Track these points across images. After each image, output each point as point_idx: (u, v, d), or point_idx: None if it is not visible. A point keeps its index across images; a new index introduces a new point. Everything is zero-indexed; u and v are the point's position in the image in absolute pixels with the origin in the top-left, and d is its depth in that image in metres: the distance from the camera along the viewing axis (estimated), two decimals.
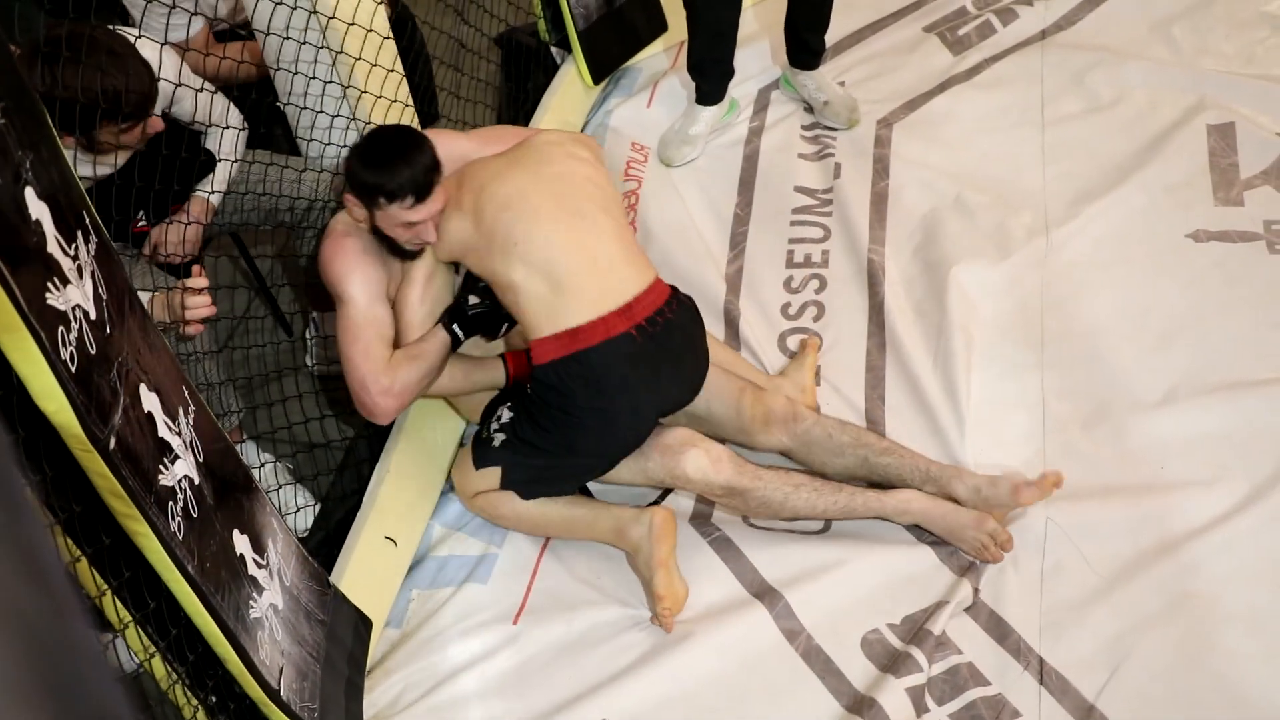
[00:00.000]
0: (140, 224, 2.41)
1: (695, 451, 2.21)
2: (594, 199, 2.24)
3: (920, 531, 2.22)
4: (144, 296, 1.98)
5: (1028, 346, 2.50)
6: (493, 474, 2.29)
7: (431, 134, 2.33)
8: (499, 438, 2.29)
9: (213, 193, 2.42)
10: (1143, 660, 1.94)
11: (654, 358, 2.15)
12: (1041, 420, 2.37)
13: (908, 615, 2.10)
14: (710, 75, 3.08)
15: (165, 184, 2.19)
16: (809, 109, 3.19)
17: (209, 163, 2.41)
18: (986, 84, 3.17)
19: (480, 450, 2.32)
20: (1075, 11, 3.28)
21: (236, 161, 2.43)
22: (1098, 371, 2.43)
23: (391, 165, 2.13)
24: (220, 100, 2.38)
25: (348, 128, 2.48)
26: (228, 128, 2.37)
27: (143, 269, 2.33)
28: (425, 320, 2.28)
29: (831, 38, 3.22)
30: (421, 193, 2.13)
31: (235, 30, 2.76)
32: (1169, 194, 2.73)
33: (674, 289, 2.24)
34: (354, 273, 2.25)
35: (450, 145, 2.31)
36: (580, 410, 2.16)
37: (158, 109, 2.14)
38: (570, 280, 2.13)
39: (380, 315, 2.26)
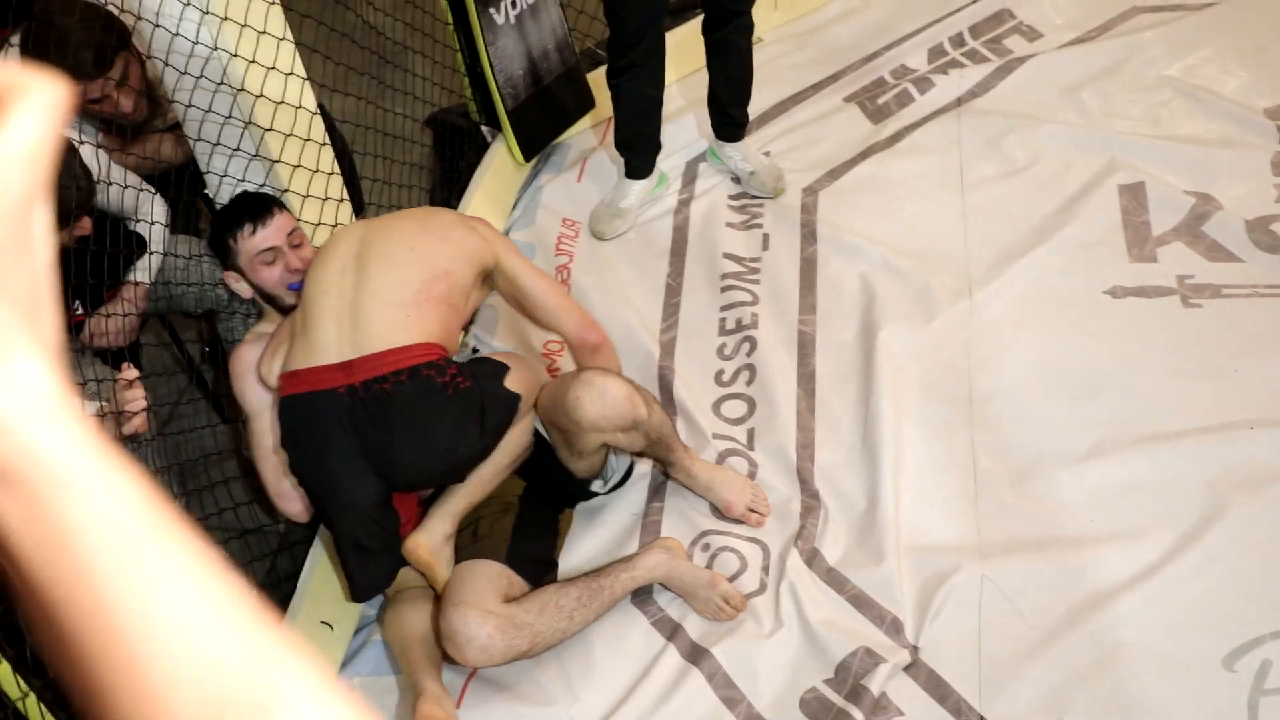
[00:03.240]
0: (78, 313, 2.41)
1: (464, 639, 2.05)
2: (401, 258, 2.16)
3: (840, 586, 2.25)
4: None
5: (955, 406, 2.55)
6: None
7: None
8: None
9: (137, 284, 2.42)
10: (1078, 713, 1.96)
11: (359, 423, 2.06)
12: (973, 478, 2.41)
13: (841, 663, 2.11)
14: (638, 150, 3.14)
15: (99, 273, 2.20)
16: (736, 179, 3.26)
17: (140, 248, 2.42)
18: (906, 151, 3.25)
19: None
20: (989, 79, 3.39)
21: (163, 254, 2.44)
22: (1025, 428, 2.47)
23: (224, 210, 2.30)
24: (145, 196, 2.40)
25: None
26: (154, 223, 2.38)
27: (80, 360, 2.31)
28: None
29: (756, 109, 3.30)
30: (256, 216, 2.23)
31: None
32: (1085, 252, 2.81)
33: (432, 363, 2.09)
34: (253, 386, 2.27)
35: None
36: (290, 453, 2.15)
37: (89, 209, 2.17)
38: (312, 323, 2.12)
39: None
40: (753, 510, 2.43)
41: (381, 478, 2.11)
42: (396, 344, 2.07)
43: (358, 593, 2.22)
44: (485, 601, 2.08)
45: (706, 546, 2.40)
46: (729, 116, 3.17)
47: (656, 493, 2.53)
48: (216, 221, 2.32)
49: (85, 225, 2.17)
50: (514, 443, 2.27)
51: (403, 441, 2.06)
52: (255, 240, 2.24)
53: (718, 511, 2.46)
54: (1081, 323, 2.65)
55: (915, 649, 2.13)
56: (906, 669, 2.10)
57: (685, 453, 2.44)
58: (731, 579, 2.32)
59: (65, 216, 2.06)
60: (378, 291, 2.12)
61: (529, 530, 2.30)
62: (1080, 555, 2.21)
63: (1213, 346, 2.52)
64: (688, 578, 2.23)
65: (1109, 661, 2.02)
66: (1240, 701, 1.92)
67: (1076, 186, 2.98)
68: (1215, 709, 1.92)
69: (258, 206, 2.26)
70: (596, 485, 2.46)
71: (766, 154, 3.31)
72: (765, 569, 2.33)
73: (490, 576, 2.15)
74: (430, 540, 2.18)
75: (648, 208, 3.23)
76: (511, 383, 2.22)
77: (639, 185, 3.20)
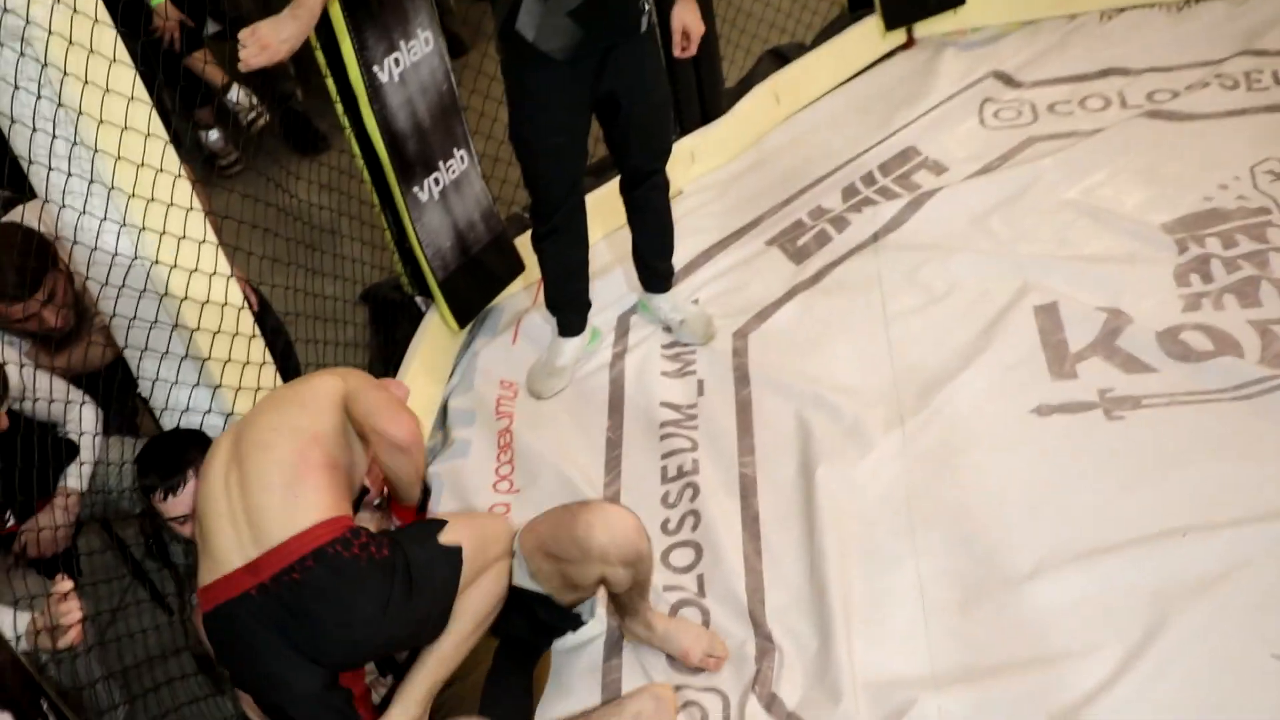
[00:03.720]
0: (9, 524, 2.39)
1: None
2: (270, 440, 2.10)
3: None
4: (5, 613, 1.96)
5: (897, 537, 2.58)
6: None
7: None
8: None
9: (69, 492, 2.41)
10: None
11: (279, 620, 2.01)
12: (921, 609, 2.42)
13: None
14: (568, 310, 3.22)
15: (26, 481, 2.20)
16: (667, 329, 3.33)
17: (71, 454, 2.42)
18: (829, 288, 3.35)
19: None
20: (901, 214, 3.52)
21: (94, 463, 2.45)
22: (967, 553, 2.50)
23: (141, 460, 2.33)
24: (74, 406, 2.42)
25: (213, 416, 2.53)
26: (83, 432, 2.40)
27: (9, 576, 2.29)
28: None
29: (681, 258, 3.40)
30: (169, 483, 2.26)
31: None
32: (1009, 373, 2.89)
33: (337, 539, 2.03)
34: None
35: None
36: (226, 667, 2.14)
37: (3, 406, 2.17)
38: (210, 536, 2.08)
39: None
40: (710, 655, 2.42)
41: (319, 665, 2.07)
42: (297, 529, 2.02)
43: None
44: None
45: None
46: (654, 269, 3.26)
47: (614, 649, 2.52)
48: (138, 465, 2.31)
49: (1, 421, 2.17)
50: (476, 606, 2.22)
51: (327, 626, 2.02)
52: (167, 507, 2.27)
53: (675, 662, 2.45)
54: (1012, 443, 2.71)
55: None
56: None
57: (647, 607, 2.43)
58: None
59: None
60: (260, 483, 2.06)
61: (502, 687, 2.27)
62: (1034, 677, 2.22)
63: (1139, 457, 2.58)
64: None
65: None
66: None
67: (994, 310, 3.07)
68: None
69: (170, 469, 2.26)
70: (583, 611, 2.43)
71: (695, 302, 3.40)
72: (725, 718, 2.31)
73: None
74: None
75: (583, 364, 3.29)
76: (449, 536, 2.16)
77: (573, 343, 3.26)
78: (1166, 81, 3.77)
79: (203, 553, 2.09)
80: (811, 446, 2.83)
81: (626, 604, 2.39)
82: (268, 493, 2.04)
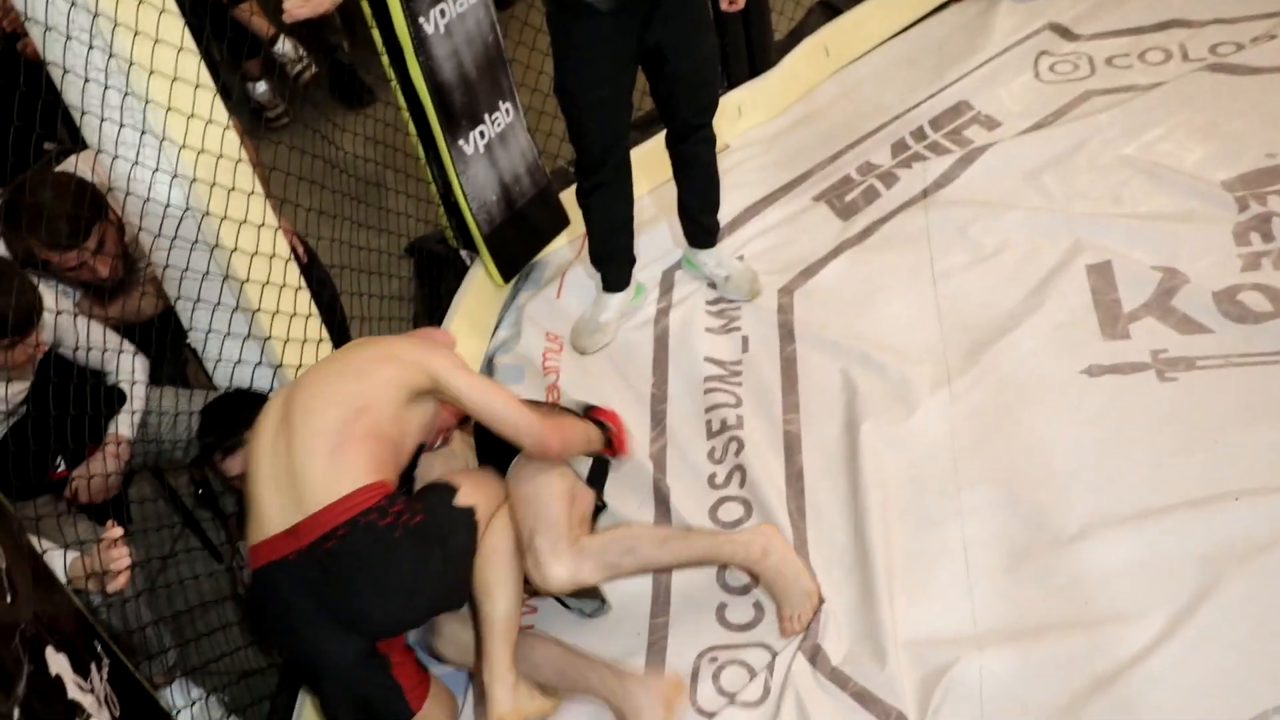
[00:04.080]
0: (59, 469, 2.43)
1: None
2: (319, 406, 2.12)
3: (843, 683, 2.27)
4: (57, 555, 1.99)
5: (943, 497, 2.56)
6: None
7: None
8: None
9: (120, 439, 2.45)
10: None
11: (315, 587, 2.04)
12: (965, 569, 2.41)
13: None
14: (613, 265, 3.21)
15: (78, 428, 2.23)
16: (712, 285, 3.32)
17: (121, 401, 2.46)
18: (877, 245, 3.31)
19: None
20: (952, 170, 3.46)
21: (144, 412, 2.48)
22: (1014, 513, 2.48)
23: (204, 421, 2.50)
24: (125, 356, 2.45)
25: (262, 368, 2.55)
26: (135, 381, 2.43)
27: (60, 522, 2.33)
28: None
29: (727, 214, 3.38)
30: (226, 445, 2.41)
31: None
32: (1059, 333, 2.84)
33: (373, 509, 2.05)
34: None
35: None
36: (264, 633, 2.23)
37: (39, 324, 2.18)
38: (255, 497, 2.11)
39: None
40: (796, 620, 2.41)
41: (355, 633, 2.09)
42: (336, 496, 2.03)
43: None
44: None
45: (714, 659, 2.40)
46: (699, 224, 3.24)
47: (661, 607, 2.53)
48: (200, 424, 2.47)
49: (42, 345, 2.21)
50: (501, 556, 2.24)
51: (362, 595, 2.05)
52: (225, 466, 2.39)
53: (723, 619, 2.45)
54: (1061, 404, 2.67)
55: None
56: None
57: (746, 549, 2.40)
58: (738, 692, 2.31)
59: (13, 329, 2.12)
60: (304, 447, 2.07)
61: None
62: (1078, 640, 2.20)
63: (1191, 419, 2.53)
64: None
65: None
66: None
67: (1045, 269, 3.02)
68: None
69: (229, 429, 2.37)
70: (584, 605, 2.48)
71: (740, 258, 3.37)
72: (770, 671, 2.32)
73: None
74: (514, 705, 2.19)
75: (627, 319, 3.28)
76: (463, 499, 2.21)
77: (617, 298, 3.26)
78: (1230, 34, 3.65)
79: (250, 513, 2.12)
80: (857, 404, 2.81)
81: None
82: (311, 458, 2.06)
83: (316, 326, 2.68)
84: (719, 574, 2.56)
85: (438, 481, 2.28)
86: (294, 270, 2.57)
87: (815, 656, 2.32)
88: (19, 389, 2.29)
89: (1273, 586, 2.17)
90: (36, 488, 2.37)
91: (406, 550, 2.06)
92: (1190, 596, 2.20)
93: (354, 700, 2.14)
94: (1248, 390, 2.56)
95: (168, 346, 2.63)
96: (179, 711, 2.41)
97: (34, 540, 2.10)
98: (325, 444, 2.07)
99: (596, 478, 2.56)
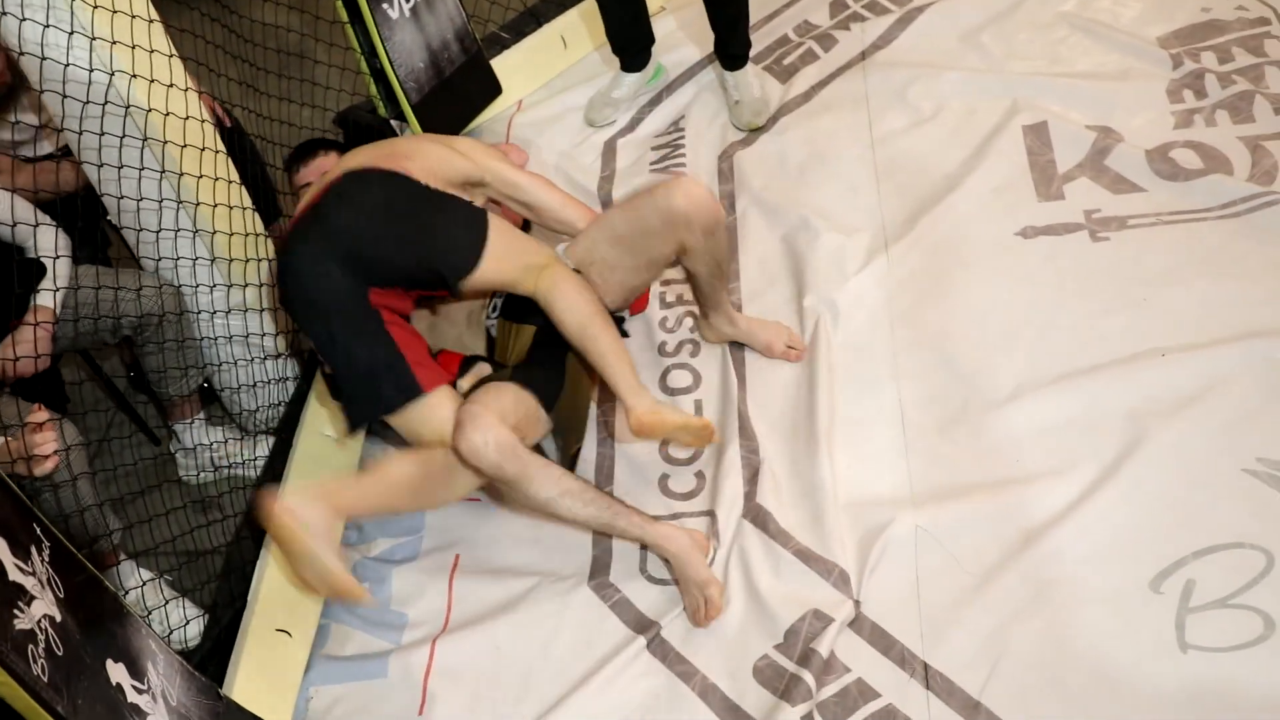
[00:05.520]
0: None
1: (470, 429, 2.10)
2: (402, 153, 2.32)
3: (785, 541, 2.31)
4: None
5: (880, 361, 2.59)
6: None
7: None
8: None
9: (40, 307, 2.38)
10: (1018, 652, 2.02)
11: (313, 231, 2.20)
12: (901, 431, 2.45)
13: (790, 629, 2.16)
14: (629, 50, 3.35)
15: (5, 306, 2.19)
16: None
17: (41, 274, 2.39)
18: (816, 109, 3.28)
19: None
20: (890, 31, 3.41)
21: (68, 289, 2.41)
22: (948, 376, 2.52)
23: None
24: (44, 230, 2.36)
25: (185, 237, 2.48)
26: (57, 256, 2.36)
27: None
28: None
29: (670, 73, 3.40)
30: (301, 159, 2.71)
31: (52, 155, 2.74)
32: (996, 196, 2.85)
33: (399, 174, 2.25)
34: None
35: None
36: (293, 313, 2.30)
37: None
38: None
39: None
40: (791, 347, 2.62)
41: (345, 271, 2.16)
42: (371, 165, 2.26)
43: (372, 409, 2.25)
44: (502, 416, 2.12)
45: None
46: (724, 48, 3.28)
47: (605, 479, 2.57)
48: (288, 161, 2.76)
49: None
50: (583, 307, 2.25)
51: (338, 217, 2.19)
52: (298, 177, 2.68)
53: (666, 489, 2.49)
54: (996, 267, 2.69)
55: (858, 603, 2.18)
56: (851, 624, 2.16)
57: (727, 294, 2.57)
58: None
59: None
60: (379, 157, 2.29)
61: (535, 367, 2.35)
62: (1009, 497, 2.26)
63: (1122, 278, 2.57)
64: (692, 570, 2.22)
65: (1042, 599, 2.08)
66: (1168, 621, 1.99)
67: (982, 132, 3.01)
68: (1145, 632, 1.98)
69: (305, 149, 2.72)
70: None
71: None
72: (715, 536, 2.36)
73: (516, 399, 2.20)
74: (648, 404, 2.22)
75: (640, 98, 3.46)
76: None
77: (632, 77, 3.40)
78: None
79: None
80: (798, 272, 2.82)
81: (708, 293, 2.51)
82: (379, 158, 2.28)
83: (238, 193, 2.62)
84: (661, 448, 2.60)
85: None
86: (212, 132, 2.50)
87: (757, 517, 2.37)
88: None
89: (1197, 439, 2.23)
90: None
91: (385, 188, 2.22)
92: (1118, 451, 2.26)
93: (361, 370, 2.19)
94: (1177, 248, 2.59)
95: (82, 224, 2.54)
96: (127, 594, 2.42)
97: None
98: (406, 166, 2.26)
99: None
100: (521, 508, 2.32)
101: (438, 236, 2.23)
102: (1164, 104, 2.92)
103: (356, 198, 2.21)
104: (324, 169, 2.59)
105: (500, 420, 2.11)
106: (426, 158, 2.31)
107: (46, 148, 2.75)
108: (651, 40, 3.39)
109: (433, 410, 2.19)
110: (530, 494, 2.14)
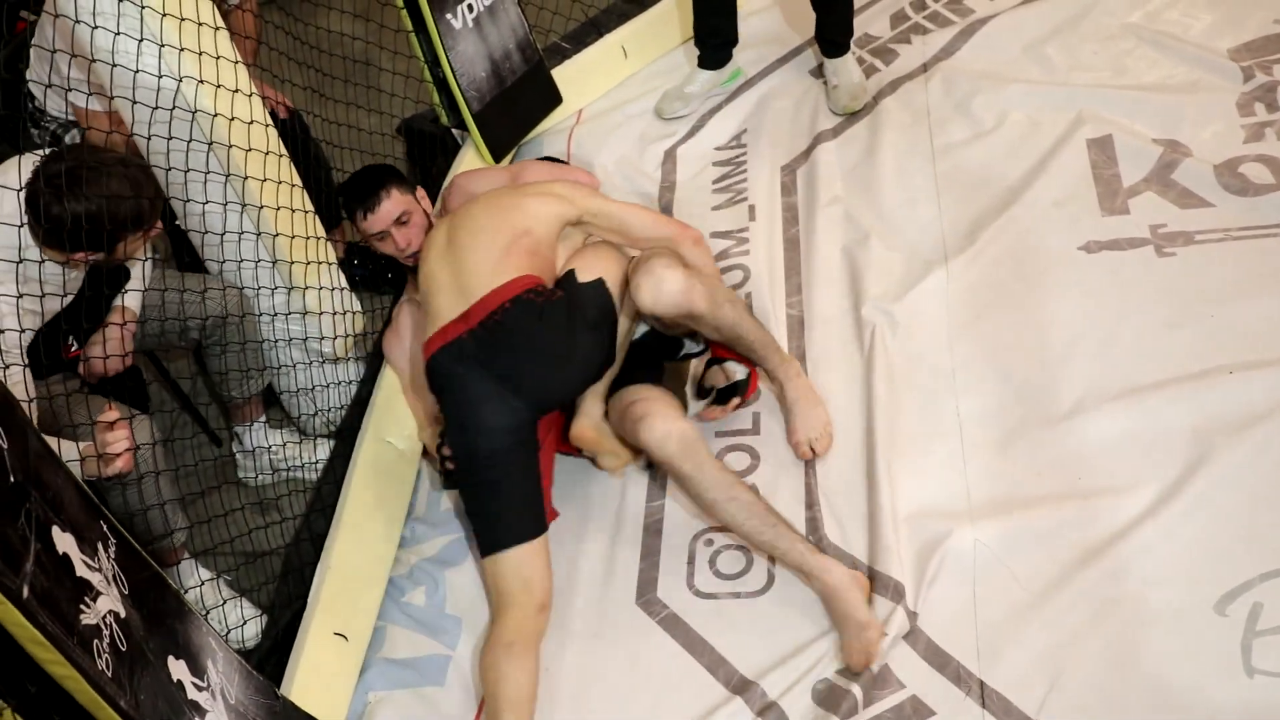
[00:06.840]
0: (72, 349, 2.43)
1: (657, 421, 2.29)
2: (484, 226, 2.45)
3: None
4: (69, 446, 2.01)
5: (939, 375, 2.57)
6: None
7: (467, 172, 2.90)
8: None
9: (126, 309, 2.44)
10: (1076, 671, 1.99)
11: (486, 356, 2.31)
12: (960, 444, 2.43)
13: None
14: (709, 44, 3.38)
15: (92, 307, 2.30)
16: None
17: (124, 272, 2.45)
18: (876, 123, 3.26)
19: None
20: (952, 43, 3.39)
21: (145, 290, 2.47)
22: (1008, 390, 2.49)
23: (344, 185, 2.70)
24: None
25: (248, 240, 2.53)
26: (140, 260, 2.42)
27: (71, 401, 2.33)
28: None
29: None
30: (366, 203, 2.60)
31: None
32: (1058, 209, 2.81)
33: (530, 290, 2.35)
34: (396, 343, 2.78)
35: (483, 179, 2.87)
36: (441, 406, 2.41)
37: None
38: (430, 302, 2.44)
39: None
40: (811, 448, 2.52)
41: (521, 399, 2.31)
42: (498, 283, 2.34)
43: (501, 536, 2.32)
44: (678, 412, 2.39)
45: (710, 542, 2.44)
46: (824, 36, 3.33)
47: (656, 493, 2.57)
48: (341, 191, 2.69)
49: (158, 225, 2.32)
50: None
51: (526, 358, 2.31)
52: (365, 225, 2.63)
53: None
54: (1058, 281, 2.66)
55: (914, 615, 2.16)
56: (905, 637, 2.13)
57: (784, 365, 2.56)
58: (735, 576, 2.35)
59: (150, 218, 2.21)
60: (473, 256, 2.40)
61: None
62: (1069, 513, 2.22)
63: (1188, 294, 2.52)
64: (851, 608, 2.15)
65: (1103, 618, 2.04)
66: (1234, 645, 1.94)
67: (1045, 144, 2.98)
68: (1209, 654, 1.94)
69: (367, 191, 2.61)
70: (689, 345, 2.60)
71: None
72: (772, 560, 2.34)
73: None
74: (590, 421, 2.42)
75: (713, 97, 3.48)
76: (585, 274, 2.43)
77: (706, 75, 3.43)
78: None
79: (427, 319, 2.44)
80: (858, 284, 2.81)
81: (744, 354, 2.55)
82: (480, 262, 2.38)
83: (300, 196, 2.66)
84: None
85: (570, 268, 2.48)
86: (275, 137, 2.55)
87: (813, 532, 2.35)
88: (75, 275, 2.30)
89: (1264, 458, 2.18)
90: (49, 367, 2.37)
91: (557, 321, 2.34)
92: (1182, 469, 2.22)
93: (503, 493, 2.32)
94: (1245, 263, 2.54)
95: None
96: (188, 591, 2.45)
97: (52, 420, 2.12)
98: (492, 253, 2.39)
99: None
100: (689, 499, 2.38)
101: (589, 367, 2.41)
102: (1234, 117, 2.87)
103: (530, 341, 2.31)
104: (393, 215, 2.60)
105: (680, 414, 2.32)
106: (535, 218, 2.47)
107: None
108: (735, 39, 3.41)
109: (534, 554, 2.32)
110: (700, 493, 2.27)
